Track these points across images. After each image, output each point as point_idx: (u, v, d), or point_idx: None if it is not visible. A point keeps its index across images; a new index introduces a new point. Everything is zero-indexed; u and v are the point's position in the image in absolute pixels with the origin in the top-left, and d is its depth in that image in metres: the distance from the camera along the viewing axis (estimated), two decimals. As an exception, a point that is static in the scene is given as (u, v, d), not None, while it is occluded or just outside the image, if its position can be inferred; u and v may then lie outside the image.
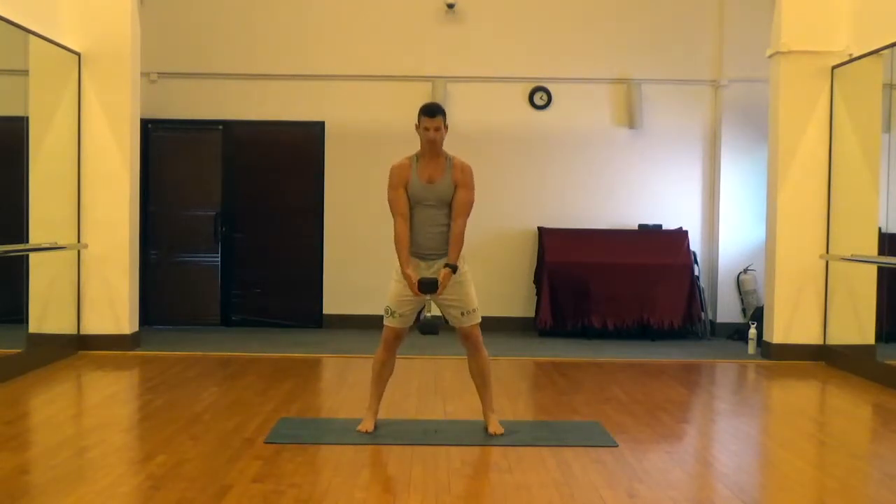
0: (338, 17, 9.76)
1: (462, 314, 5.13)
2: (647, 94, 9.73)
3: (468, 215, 5.12)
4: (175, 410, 5.74)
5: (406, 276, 5.04)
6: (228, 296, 9.79)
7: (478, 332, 5.20)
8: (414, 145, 5.27)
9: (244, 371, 7.18)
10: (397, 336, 5.22)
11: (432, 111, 5.09)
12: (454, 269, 5.05)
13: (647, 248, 9.42)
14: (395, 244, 5.10)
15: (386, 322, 5.20)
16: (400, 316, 5.15)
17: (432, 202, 5.09)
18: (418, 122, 5.13)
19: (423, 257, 5.12)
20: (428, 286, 5.00)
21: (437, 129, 5.05)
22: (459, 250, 5.09)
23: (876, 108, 7.61)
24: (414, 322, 5.29)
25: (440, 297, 5.08)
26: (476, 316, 5.18)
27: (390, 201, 5.14)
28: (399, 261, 5.09)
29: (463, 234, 5.10)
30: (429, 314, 5.10)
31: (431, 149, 5.09)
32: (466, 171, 5.13)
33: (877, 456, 5.27)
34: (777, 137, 8.05)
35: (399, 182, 5.10)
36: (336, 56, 9.71)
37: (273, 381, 6.77)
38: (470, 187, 5.12)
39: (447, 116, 5.18)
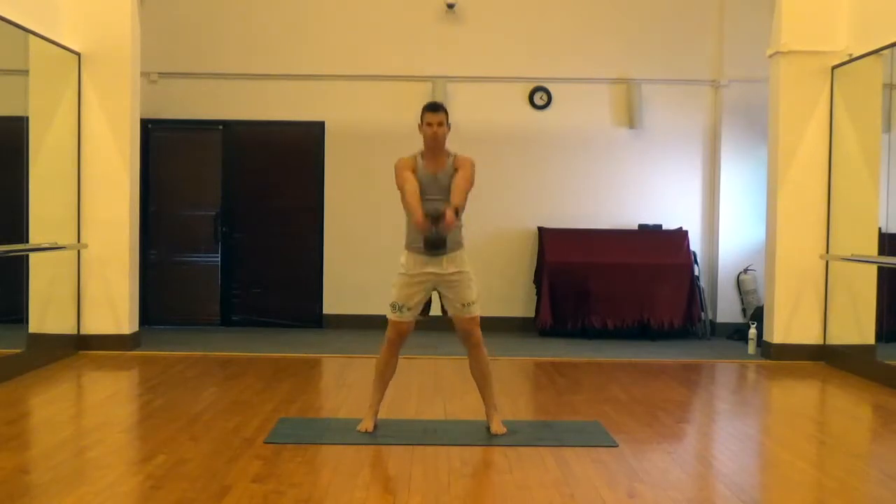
0: (338, 17, 9.76)
1: (462, 306, 5.13)
2: (647, 94, 9.73)
3: (468, 181, 5.05)
4: (175, 410, 5.74)
5: (418, 222, 4.91)
6: (228, 296, 9.79)
7: (478, 330, 5.20)
8: (414, 144, 5.26)
9: (244, 371, 7.17)
10: (401, 334, 5.19)
11: (434, 106, 5.17)
12: (456, 210, 4.94)
13: (647, 248, 9.42)
14: (408, 202, 4.98)
15: (391, 317, 5.17)
16: (409, 310, 5.13)
17: (436, 195, 5.05)
18: (421, 120, 5.15)
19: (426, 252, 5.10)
20: (435, 243, 4.96)
21: (439, 124, 5.09)
22: (460, 196, 5.00)
23: (876, 108, 7.61)
24: (421, 312, 5.21)
25: (444, 278, 5.06)
26: (474, 309, 5.15)
27: (401, 184, 5.06)
28: (413, 213, 4.96)
29: (464, 188, 5.01)
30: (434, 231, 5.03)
31: (434, 145, 5.11)
32: (467, 161, 5.12)
33: (876, 456, 5.28)
34: (777, 137, 8.05)
35: (407, 167, 5.09)
36: (336, 56, 9.71)
37: (273, 381, 6.77)
38: (468, 170, 5.07)
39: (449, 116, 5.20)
